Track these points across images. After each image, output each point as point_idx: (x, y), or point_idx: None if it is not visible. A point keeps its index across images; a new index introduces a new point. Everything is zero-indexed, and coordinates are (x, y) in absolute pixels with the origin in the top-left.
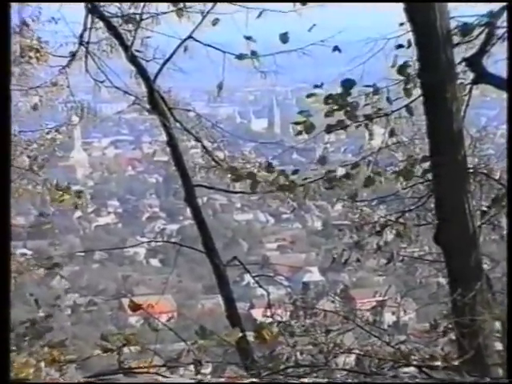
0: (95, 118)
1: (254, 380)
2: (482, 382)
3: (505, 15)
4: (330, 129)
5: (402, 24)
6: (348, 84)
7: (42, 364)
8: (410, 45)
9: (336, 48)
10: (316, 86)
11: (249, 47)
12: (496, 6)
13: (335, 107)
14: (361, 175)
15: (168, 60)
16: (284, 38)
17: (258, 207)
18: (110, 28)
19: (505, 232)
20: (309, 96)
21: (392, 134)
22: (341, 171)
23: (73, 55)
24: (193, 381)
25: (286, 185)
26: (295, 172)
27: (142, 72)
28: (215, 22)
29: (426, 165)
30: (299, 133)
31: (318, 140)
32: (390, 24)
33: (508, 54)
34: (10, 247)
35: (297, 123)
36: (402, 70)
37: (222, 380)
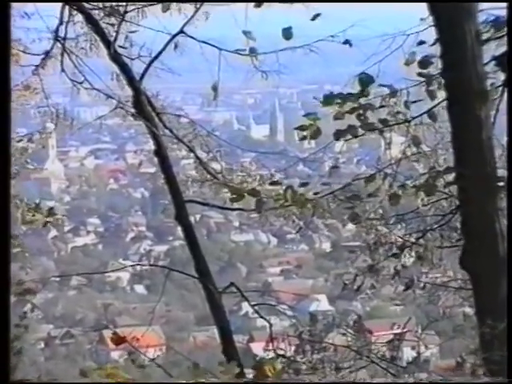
0: (72, 124)
1: (253, 380)
2: (482, 381)
3: None
4: (339, 135)
5: (423, 19)
6: (365, 80)
7: None
8: (435, 43)
9: (347, 41)
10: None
11: (248, 43)
12: None
13: (347, 107)
14: (381, 191)
15: (156, 58)
16: (288, 33)
17: (258, 226)
18: (90, 21)
19: None
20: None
21: (415, 143)
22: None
23: (47, 53)
24: (192, 381)
25: (293, 199)
26: (304, 184)
27: (126, 72)
28: (209, 15)
29: (451, 177)
30: (303, 138)
31: (328, 150)
32: (410, 18)
33: (508, 55)
34: (10, 250)
35: (301, 128)
36: (422, 67)
37: (222, 380)
